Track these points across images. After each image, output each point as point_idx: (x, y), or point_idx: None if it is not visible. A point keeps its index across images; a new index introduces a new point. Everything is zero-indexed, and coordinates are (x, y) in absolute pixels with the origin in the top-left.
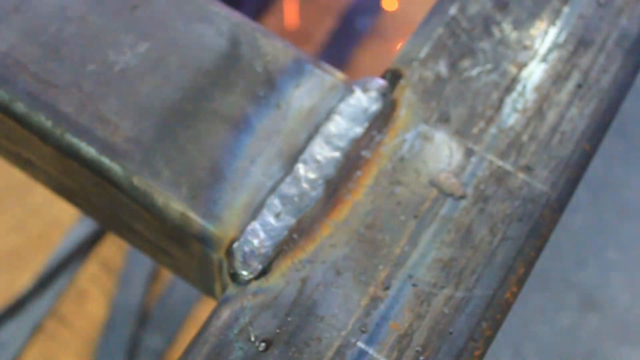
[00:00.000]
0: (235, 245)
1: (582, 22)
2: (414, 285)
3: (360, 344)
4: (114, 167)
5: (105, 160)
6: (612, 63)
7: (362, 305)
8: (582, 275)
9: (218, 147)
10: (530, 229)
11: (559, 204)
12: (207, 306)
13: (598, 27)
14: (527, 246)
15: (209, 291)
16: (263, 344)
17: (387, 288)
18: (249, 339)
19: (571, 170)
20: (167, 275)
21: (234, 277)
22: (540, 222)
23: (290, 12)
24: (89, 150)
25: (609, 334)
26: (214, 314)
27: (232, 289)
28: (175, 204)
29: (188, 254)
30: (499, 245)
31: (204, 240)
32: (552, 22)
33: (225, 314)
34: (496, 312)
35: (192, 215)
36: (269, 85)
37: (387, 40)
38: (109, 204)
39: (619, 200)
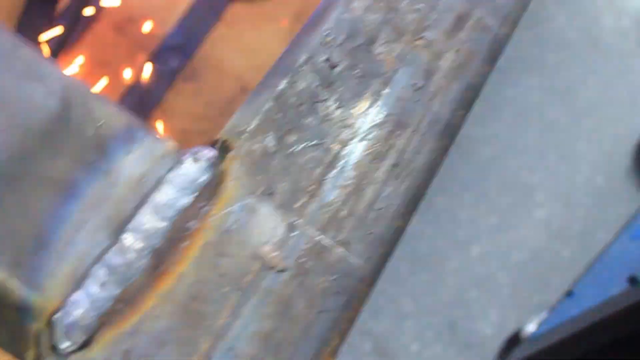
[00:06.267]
0: (57, 316)
1: (400, 104)
2: (235, 357)
3: None
4: None
5: None
6: (424, 145)
7: None
8: (376, 324)
9: (44, 213)
10: (345, 302)
11: (372, 277)
12: None
13: (414, 110)
14: (342, 319)
15: (19, 355)
16: None
17: None
18: None
19: (385, 245)
20: None
21: (55, 349)
22: (354, 295)
23: (99, 46)
24: None
25: None
26: None
27: None
28: None
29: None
30: (316, 318)
31: (24, 310)
32: (373, 103)
33: None
34: None
35: (13, 283)
36: (99, 151)
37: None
38: None
39: (411, 249)
